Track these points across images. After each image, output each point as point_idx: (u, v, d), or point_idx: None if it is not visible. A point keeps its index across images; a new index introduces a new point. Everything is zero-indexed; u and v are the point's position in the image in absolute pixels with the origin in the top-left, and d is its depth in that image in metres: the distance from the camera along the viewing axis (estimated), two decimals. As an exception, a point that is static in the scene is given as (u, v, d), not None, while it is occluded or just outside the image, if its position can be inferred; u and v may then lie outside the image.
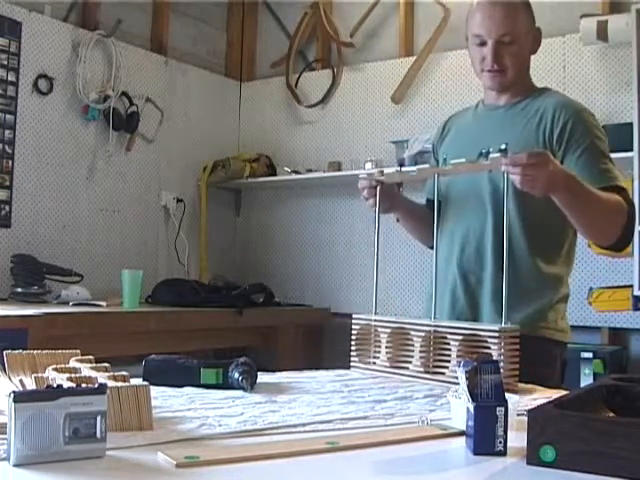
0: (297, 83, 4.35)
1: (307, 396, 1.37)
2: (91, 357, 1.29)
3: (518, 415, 1.07)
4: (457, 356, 1.53)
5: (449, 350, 1.57)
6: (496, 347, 1.48)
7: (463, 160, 1.65)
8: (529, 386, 1.57)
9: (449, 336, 1.58)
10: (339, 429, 1.12)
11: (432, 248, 1.78)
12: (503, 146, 1.62)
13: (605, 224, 1.73)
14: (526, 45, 1.87)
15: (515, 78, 1.88)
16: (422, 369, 1.62)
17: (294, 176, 4.12)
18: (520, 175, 1.53)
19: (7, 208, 3.36)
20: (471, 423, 0.98)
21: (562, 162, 1.73)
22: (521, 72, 1.90)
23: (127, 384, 1.07)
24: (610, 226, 1.73)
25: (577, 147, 1.77)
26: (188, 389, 1.39)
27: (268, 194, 4.40)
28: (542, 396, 1.42)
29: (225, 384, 1.41)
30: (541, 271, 1.79)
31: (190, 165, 4.21)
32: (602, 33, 3.27)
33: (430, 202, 1.97)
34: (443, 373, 1.58)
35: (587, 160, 1.76)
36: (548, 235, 1.81)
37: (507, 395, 1.01)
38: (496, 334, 1.48)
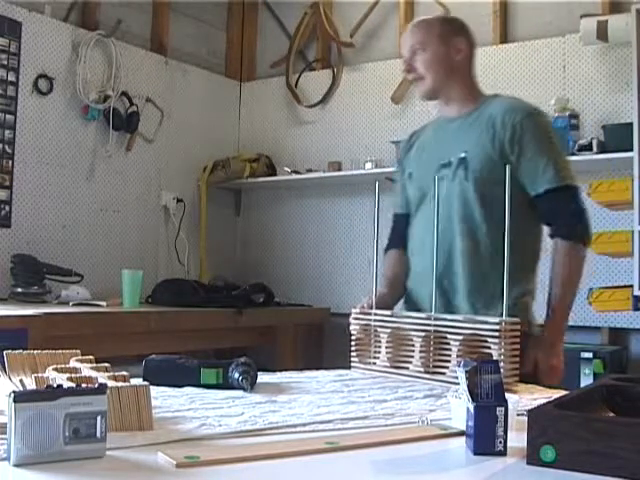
0: (297, 83, 4.35)
1: (307, 396, 1.37)
2: (91, 357, 1.29)
3: (518, 415, 1.07)
4: (457, 356, 1.54)
5: (449, 350, 1.57)
6: (496, 347, 1.48)
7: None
8: (529, 386, 1.57)
9: (449, 336, 1.58)
10: (339, 429, 1.12)
11: None
12: (462, 154, 1.82)
13: (578, 269, 1.92)
14: (443, 53, 1.97)
15: (437, 84, 1.98)
16: (422, 369, 1.62)
17: (294, 176, 4.12)
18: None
19: (7, 208, 3.36)
20: (471, 423, 0.98)
21: (516, 165, 1.82)
22: (444, 79, 1.98)
23: (127, 384, 1.07)
24: (580, 264, 1.92)
25: (528, 150, 1.85)
26: (188, 389, 1.39)
27: (268, 194, 4.40)
28: (542, 396, 1.42)
29: (225, 384, 1.41)
30: (508, 272, 1.76)
31: (190, 165, 4.21)
32: (602, 33, 3.27)
33: (398, 216, 2.12)
34: (443, 373, 1.58)
35: (538, 162, 1.84)
36: (513, 234, 1.79)
37: (507, 395, 1.01)
38: (496, 333, 1.48)
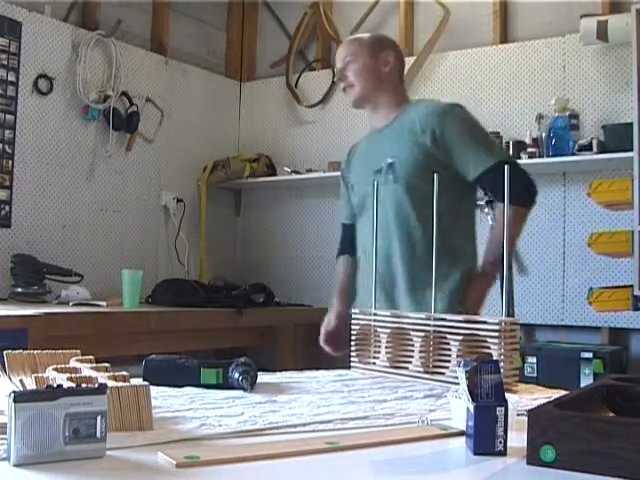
0: (297, 83, 4.35)
1: (307, 396, 1.37)
2: (91, 357, 1.29)
3: (518, 415, 1.07)
4: (457, 356, 1.54)
5: (449, 350, 1.57)
6: (496, 347, 1.48)
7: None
8: (529, 386, 1.57)
9: (449, 336, 1.58)
10: (339, 429, 1.12)
11: None
12: (390, 160, 2.00)
13: (515, 226, 1.98)
14: (371, 64, 2.13)
15: (365, 92, 2.14)
16: (422, 369, 1.62)
17: (294, 176, 4.12)
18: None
19: (7, 208, 3.36)
20: (471, 423, 0.98)
21: (449, 161, 2.00)
22: (372, 88, 2.14)
23: (127, 384, 1.07)
24: (522, 220, 2.03)
25: (454, 144, 2.01)
26: (188, 389, 1.39)
27: (268, 194, 4.40)
28: (542, 396, 1.42)
29: (225, 384, 1.41)
30: (444, 257, 1.91)
31: (190, 165, 4.21)
32: (602, 33, 3.27)
33: (345, 226, 2.37)
34: (443, 373, 1.58)
35: (467, 151, 2.01)
36: (453, 222, 2.03)
37: (507, 395, 1.01)
38: (496, 334, 1.49)
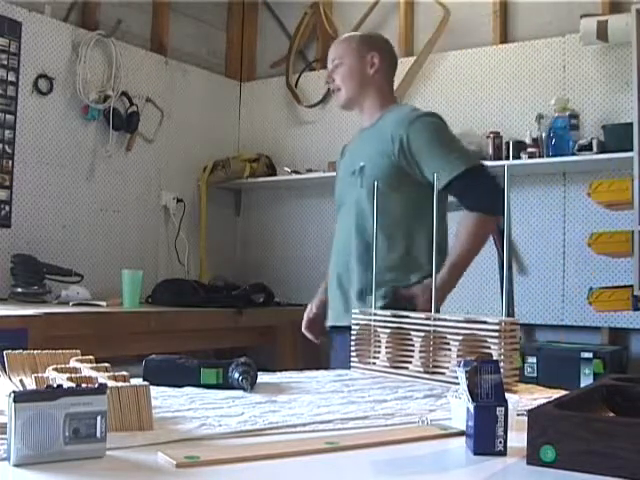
0: (297, 83, 4.35)
1: (307, 396, 1.37)
2: (91, 357, 1.29)
3: (518, 415, 1.07)
4: (457, 356, 1.54)
5: (449, 350, 1.57)
6: (496, 347, 1.48)
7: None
8: (529, 386, 1.57)
9: (449, 336, 1.58)
10: (339, 429, 1.12)
11: None
12: (362, 163, 2.05)
13: (477, 236, 2.03)
14: (357, 67, 2.16)
15: (351, 95, 2.17)
16: (422, 369, 1.62)
17: (294, 176, 4.12)
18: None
19: (7, 208, 3.36)
20: (471, 423, 0.98)
21: (418, 170, 2.02)
22: (358, 91, 2.16)
23: (127, 384, 1.07)
24: (476, 232, 2.02)
25: (421, 154, 2.03)
26: (188, 389, 1.39)
27: (268, 194, 4.40)
28: (542, 396, 1.42)
29: (225, 384, 1.41)
30: (398, 262, 2.05)
31: (190, 165, 4.21)
32: (602, 33, 3.27)
33: None
34: (443, 373, 1.58)
35: (434, 160, 2.01)
36: (405, 239, 2.06)
37: (507, 395, 1.01)
38: (496, 334, 1.49)
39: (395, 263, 2.07)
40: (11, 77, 3.36)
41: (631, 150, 3.02)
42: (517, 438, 0.96)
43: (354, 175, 2.12)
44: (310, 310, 2.38)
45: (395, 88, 3.89)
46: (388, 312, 1.75)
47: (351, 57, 2.17)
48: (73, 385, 0.97)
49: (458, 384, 1.04)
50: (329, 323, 2.23)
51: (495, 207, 1.97)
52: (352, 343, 1.78)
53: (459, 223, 2.05)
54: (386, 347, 1.69)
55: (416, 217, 2.05)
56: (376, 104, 2.19)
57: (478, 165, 2.05)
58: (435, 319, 1.63)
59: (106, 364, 1.20)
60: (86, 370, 1.16)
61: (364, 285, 2.05)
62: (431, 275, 2.04)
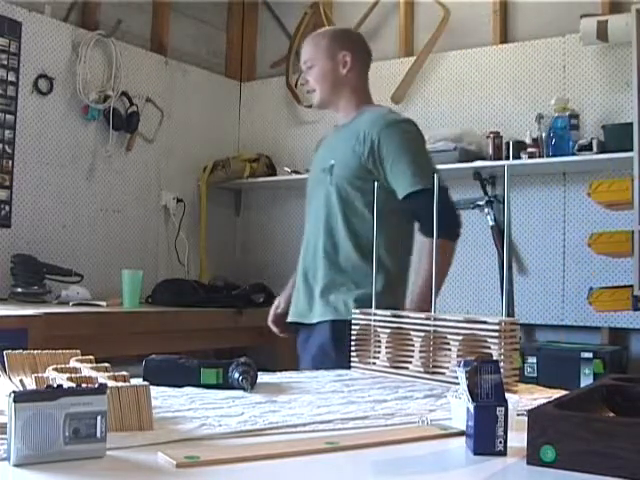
0: (297, 83, 4.34)
1: (307, 396, 1.37)
2: (91, 357, 1.29)
3: (518, 415, 1.07)
4: (457, 356, 1.54)
5: (449, 350, 1.57)
6: (496, 347, 1.48)
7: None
8: (529, 386, 1.57)
9: (449, 336, 1.58)
10: (339, 429, 1.11)
11: None
12: (332, 162, 2.06)
13: (443, 264, 1.98)
14: (329, 67, 2.15)
15: (325, 96, 2.18)
16: (422, 369, 1.62)
17: (294, 176, 4.12)
18: None
19: (7, 208, 3.36)
20: (471, 423, 0.98)
21: (382, 174, 2.02)
22: (332, 92, 2.16)
23: (127, 384, 1.07)
24: (441, 259, 1.92)
25: (388, 160, 2.03)
26: (188, 389, 1.39)
27: (268, 194, 4.39)
28: (542, 396, 1.42)
29: (225, 384, 1.41)
30: (364, 265, 2.04)
31: (190, 165, 4.21)
32: (602, 33, 3.27)
33: None
34: (443, 373, 1.58)
35: (399, 169, 2.02)
36: (371, 239, 2.03)
37: (507, 395, 1.01)
38: (496, 334, 1.49)
39: (361, 264, 2.07)
40: (11, 77, 3.36)
41: (631, 150, 3.02)
42: (517, 438, 0.96)
43: (324, 172, 2.13)
44: (278, 305, 2.39)
45: (395, 88, 3.94)
46: (388, 312, 1.75)
47: (322, 58, 2.16)
48: (73, 385, 0.97)
49: (458, 384, 1.04)
50: (291, 318, 2.21)
51: (453, 233, 2.03)
52: (352, 343, 1.78)
53: (420, 250, 2.06)
54: (386, 347, 1.69)
55: (382, 221, 2.01)
56: (351, 102, 2.19)
57: (441, 187, 2.01)
58: (435, 319, 1.63)
59: (106, 364, 1.20)
60: (86, 370, 1.16)
61: (329, 283, 2.06)
62: (394, 281, 2.11)
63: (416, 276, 2.07)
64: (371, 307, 1.90)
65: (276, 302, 2.41)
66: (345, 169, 2.06)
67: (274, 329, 2.39)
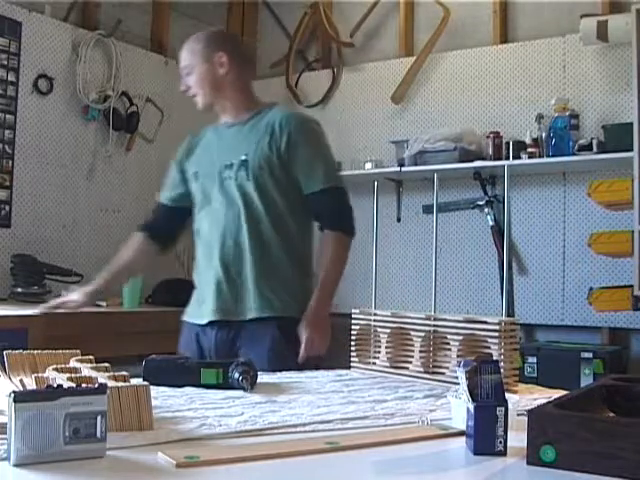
0: (297, 83, 4.35)
1: (307, 396, 1.37)
2: (91, 357, 1.29)
3: (518, 415, 1.07)
4: (457, 356, 1.54)
5: (449, 350, 1.57)
6: (496, 347, 1.48)
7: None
8: (529, 386, 1.57)
9: (449, 336, 1.58)
10: (339, 429, 1.12)
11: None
12: (243, 157, 2.08)
13: (342, 256, 2.11)
14: (207, 70, 2.16)
15: (207, 99, 2.19)
16: (422, 369, 1.62)
17: (294, 176, 4.12)
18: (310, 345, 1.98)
19: (7, 208, 3.36)
20: (471, 423, 0.98)
21: (292, 167, 2.08)
22: (213, 94, 2.18)
23: (127, 384, 1.07)
24: (342, 253, 2.11)
25: (301, 154, 2.09)
26: (188, 389, 1.39)
27: (268, 194, 4.39)
28: (542, 396, 1.42)
29: (225, 384, 1.41)
30: (292, 260, 2.10)
31: (190, 165, 4.20)
32: (602, 33, 3.27)
33: (163, 206, 2.40)
34: (443, 373, 1.58)
35: (310, 165, 2.09)
36: (292, 230, 2.12)
37: (507, 395, 1.01)
38: (496, 334, 1.49)
39: (287, 254, 2.11)
40: (11, 77, 3.36)
41: (631, 150, 3.02)
42: (517, 438, 0.96)
43: (229, 168, 2.12)
44: (76, 297, 2.33)
45: (395, 88, 3.94)
46: (388, 312, 1.75)
47: (199, 62, 2.17)
48: (73, 385, 0.97)
49: (458, 384, 1.04)
50: (211, 318, 2.11)
51: (353, 229, 2.13)
52: (352, 343, 1.78)
53: (324, 245, 2.11)
54: (386, 347, 1.69)
55: (297, 213, 2.12)
56: (239, 101, 2.20)
57: (342, 187, 2.14)
58: (435, 319, 1.63)
59: (106, 364, 1.20)
60: (86, 370, 1.16)
61: (260, 277, 2.06)
62: (310, 266, 2.18)
63: (324, 268, 2.09)
64: (303, 298, 2.05)
65: (75, 294, 2.36)
66: (263, 162, 2.08)
67: (69, 299, 2.34)
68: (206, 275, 2.15)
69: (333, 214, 2.12)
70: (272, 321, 2.03)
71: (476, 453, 0.96)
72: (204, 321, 2.11)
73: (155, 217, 2.43)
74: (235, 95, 2.20)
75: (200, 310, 2.14)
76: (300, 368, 1.83)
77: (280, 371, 1.72)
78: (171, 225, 2.39)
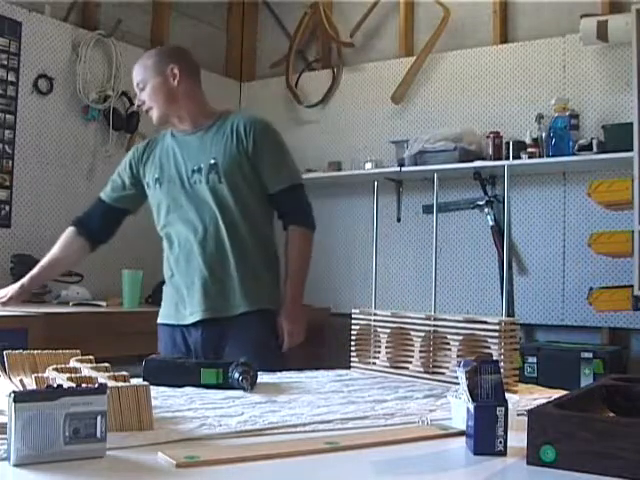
0: (297, 83, 4.35)
1: (307, 396, 1.37)
2: (91, 357, 1.29)
3: (518, 415, 1.07)
4: (457, 356, 1.54)
5: (449, 350, 1.57)
6: (496, 347, 1.48)
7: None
8: (529, 386, 1.57)
9: (449, 336, 1.58)
10: (339, 429, 1.12)
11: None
12: (212, 161, 2.15)
13: (309, 250, 2.23)
14: (160, 82, 2.23)
15: (163, 111, 2.24)
16: (422, 369, 1.62)
17: (294, 176, 4.12)
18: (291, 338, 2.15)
19: (7, 208, 3.36)
20: (471, 423, 0.98)
21: (258, 168, 2.17)
22: (168, 105, 2.23)
23: (127, 384, 1.07)
24: (308, 247, 2.22)
25: (266, 156, 2.18)
26: (188, 389, 1.39)
27: (268, 194, 4.39)
28: (542, 396, 1.42)
29: (225, 384, 1.41)
30: (266, 257, 2.20)
31: (190, 165, 4.20)
32: (602, 33, 3.27)
33: (102, 202, 2.47)
34: (443, 373, 1.58)
35: (274, 166, 2.19)
36: (263, 228, 2.22)
37: (507, 395, 1.01)
38: (496, 334, 1.49)
39: (260, 249, 2.20)
40: (11, 77, 3.36)
41: (631, 150, 3.02)
42: (517, 438, 0.96)
43: (200, 172, 2.17)
44: (9, 291, 2.39)
45: (395, 88, 3.94)
46: (388, 312, 1.75)
47: (152, 76, 2.23)
48: (73, 385, 0.97)
49: (458, 384, 1.04)
50: (199, 317, 2.16)
51: (314, 224, 2.24)
52: (352, 343, 1.78)
53: (291, 240, 2.20)
54: (386, 347, 1.70)
55: (265, 212, 2.22)
56: (195, 109, 2.26)
57: (304, 183, 2.26)
58: (435, 319, 1.63)
59: (106, 364, 1.20)
60: (86, 370, 1.16)
61: (244, 274, 2.14)
62: (278, 260, 2.27)
63: (292, 263, 2.19)
64: (278, 292, 2.19)
65: (11, 288, 2.41)
66: (233, 165, 2.15)
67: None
68: (187, 277, 2.25)
69: (299, 211, 2.23)
70: (256, 314, 2.13)
71: (476, 453, 0.97)
72: (188, 321, 2.18)
73: (90, 213, 2.47)
74: (190, 104, 2.26)
75: (183, 311, 2.23)
76: (283, 357, 2.04)
77: (266, 361, 1.76)
78: (106, 224, 2.48)
